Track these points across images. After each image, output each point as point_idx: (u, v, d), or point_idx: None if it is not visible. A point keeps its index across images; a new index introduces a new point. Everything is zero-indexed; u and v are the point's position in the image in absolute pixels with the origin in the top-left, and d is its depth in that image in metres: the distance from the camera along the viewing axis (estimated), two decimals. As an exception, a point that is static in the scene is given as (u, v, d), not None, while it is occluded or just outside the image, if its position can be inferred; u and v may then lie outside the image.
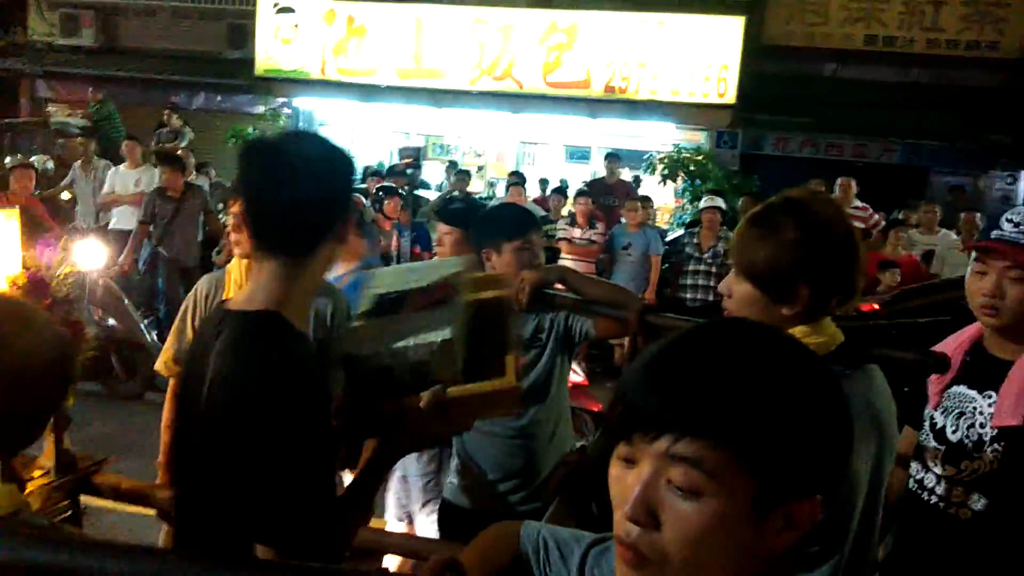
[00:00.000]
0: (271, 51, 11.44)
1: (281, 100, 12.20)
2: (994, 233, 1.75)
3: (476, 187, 11.70)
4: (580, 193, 7.88)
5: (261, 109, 12.16)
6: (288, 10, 11.23)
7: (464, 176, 9.96)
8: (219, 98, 12.67)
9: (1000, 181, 10.87)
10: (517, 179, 8.90)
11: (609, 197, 8.59)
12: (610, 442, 0.81)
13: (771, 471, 0.74)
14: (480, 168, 13.38)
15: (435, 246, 3.25)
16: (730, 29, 9.87)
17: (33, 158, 10.21)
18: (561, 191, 9.13)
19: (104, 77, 12.36)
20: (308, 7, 11.24)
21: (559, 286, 2.55)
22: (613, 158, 9.35)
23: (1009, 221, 1.75)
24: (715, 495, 0.74)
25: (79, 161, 9.33)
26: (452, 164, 12.14)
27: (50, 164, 10.10)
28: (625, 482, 0.79)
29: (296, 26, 11.26)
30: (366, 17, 11.11)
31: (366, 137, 13.30)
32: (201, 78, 12.30)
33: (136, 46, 12.97)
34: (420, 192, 10.48)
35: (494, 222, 2.71)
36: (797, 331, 1.40)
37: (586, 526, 1.21)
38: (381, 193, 7.43)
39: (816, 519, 0.77)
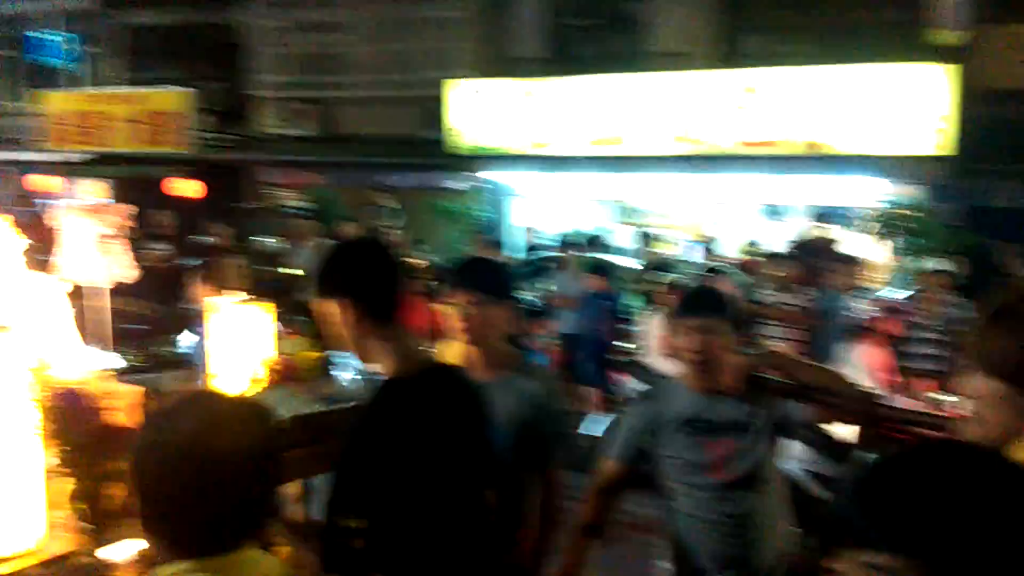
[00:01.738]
0: (465, 130, 12.07)
1: (478, 175, 12.77)
2: None
3: (666, 249, 11.54)
4: (787, 256, 7.54)
5: (460, 185, 12.77)
6: (479, 90, 11.85)
7: (653, 239, 9.86)
8: (422, 177, 13.41)
9: None
10: (712, 244, 8.68)
11: (817, 258, 8.14)
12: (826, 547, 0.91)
13: None
14: (670, 230, 13.20)
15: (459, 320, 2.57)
16: (938, 77, 9.21)
17: (263, 238, 11.33)
18: (778, 256, 8.63)
19: (323, 163, 13.51)
20: (497, 86, 11.81)
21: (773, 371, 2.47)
22: (820, 217, 8.91)
23: None
24: None
25: (304, 241, 10.21)
26: (641, 228, 12.08)
27: (278, 244, 11.12)
28: None
29: (487, 105, 11.82)
30: (555, 91, 11.48)
31: (558, 205, 13.57)
32: (403, 159, 13.10)
33: (348, 133, 14.10)
34: (611, 258, 10.44)
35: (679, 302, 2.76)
36: None
37: None
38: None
39: None
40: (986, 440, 1.49)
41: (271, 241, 11.30)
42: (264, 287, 3.20)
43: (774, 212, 12.28)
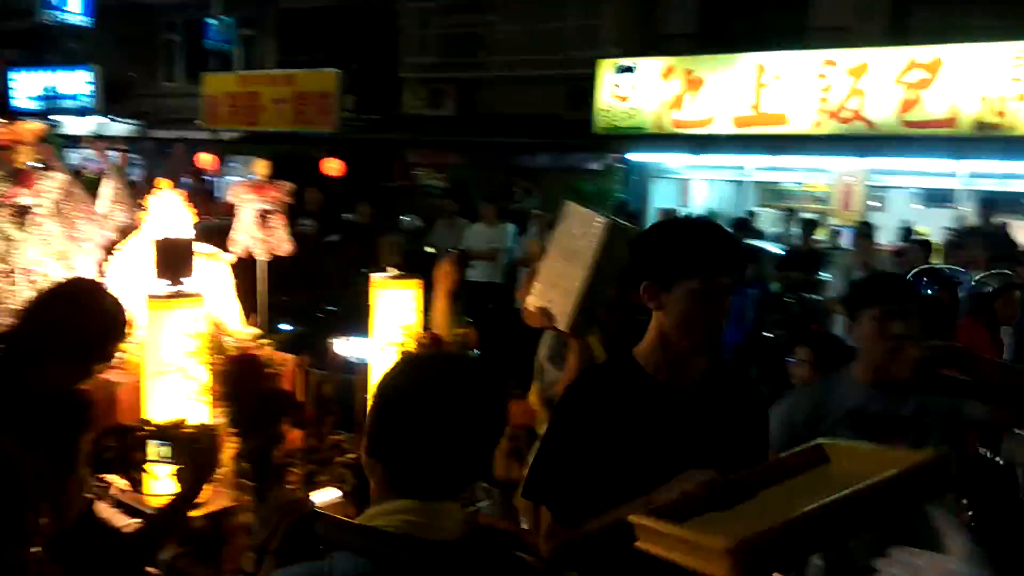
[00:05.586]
0: (609, 109, 11.90)
1: (616, 155, 12.60)
2: None
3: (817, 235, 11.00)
4: (954, 246, 7.03)
5: (597, 166, 12.64)
6: (628, 69, 11.63)
7: (810, 225, 9.38)
8: (559, 157, 13.37)
9: None
10: (866, 229, 8.19)
11: (984, 249, 7.53)
12: None
13: None
14: (821, 215, 12.60)
15: None
16: None
17: (406, 217, 11.63)
18: (924, 244, 8.11)
19: (461, 143, 13.69)
20: (647, 65, 11.55)
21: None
22: (989, 203, 8.25)
23: None
24: None
25: (442, 220, 10.41)
26: (790, 212, 11.58)
27: (418, 222, 11.39)
28: None
29: (634, 85, 11.60)
30: (705, 69, 11.13)
31: (698, 187, 13.23)
32: (543, 139, 13.10)
33: (488, 113, 14.22)
34: (758, 243, 10.07)
35: (859, 289, 2.59)
36: None
37: None
38: None
39: None
40: None
41: (410, 219, 11.58)
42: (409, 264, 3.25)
43: (936, 197, 11.50)
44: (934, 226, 10.46)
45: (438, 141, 14.13)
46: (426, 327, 3.19)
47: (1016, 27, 9.36)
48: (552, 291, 2.50)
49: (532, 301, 2.59)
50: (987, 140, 9.15)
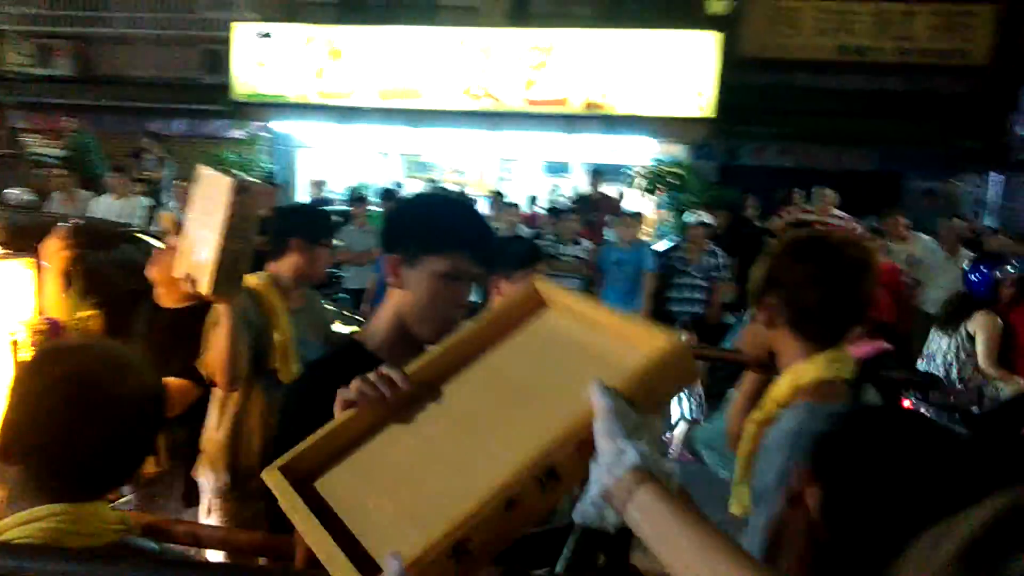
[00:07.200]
0: (248, 76, 11.46)
1: (259, 124, 12.20)
2: None
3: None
4: (569, 210, 7.94)
5: (240, 134, 12.14)
6: (266, 35, 11.27)
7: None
8: (197, 124, 12.61)
9: (970, 184, 11.11)
10: (499, 198, 8.93)
11: (594, 213, 8.64)
12: None
13: None
14: (461, 186, 13.41)
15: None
16: (706, 44, 10.05)
17: (13, 190, 10.15)
18: (556, 211, 8.95)
19: (80, 106, 12.29)
20: (286, 32, 11.30)
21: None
22: (596, 174, 9.44)
23: None
24: None
25: (60, 192, 9.28)
26: (431, 183, 12.16)
27: (29, 196, 10.00)
28: None
29: (273, 51, 11.29)
30: (345, 41, 11.18)
31: (346, 159, 13.32)
32: (178, 104, 12.26)
33: (112, 74, 12.91)
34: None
35: (505, 253, 2.85)
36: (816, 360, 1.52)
37: None
38: None
39: None
40: (752, 360, 1.74)
41: (18, 192, 10.16)
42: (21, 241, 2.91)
43: (557, 169, 12.83)
44: (554, 194, 11.74)
45: (51, 104, 12.51)
46: (42, 313, 2.89)
47: (615, 17, 10.76)
48: (193, 257, 2.46)
49: (177, 270, 2.50)
50: (593, 118, 10.45)
